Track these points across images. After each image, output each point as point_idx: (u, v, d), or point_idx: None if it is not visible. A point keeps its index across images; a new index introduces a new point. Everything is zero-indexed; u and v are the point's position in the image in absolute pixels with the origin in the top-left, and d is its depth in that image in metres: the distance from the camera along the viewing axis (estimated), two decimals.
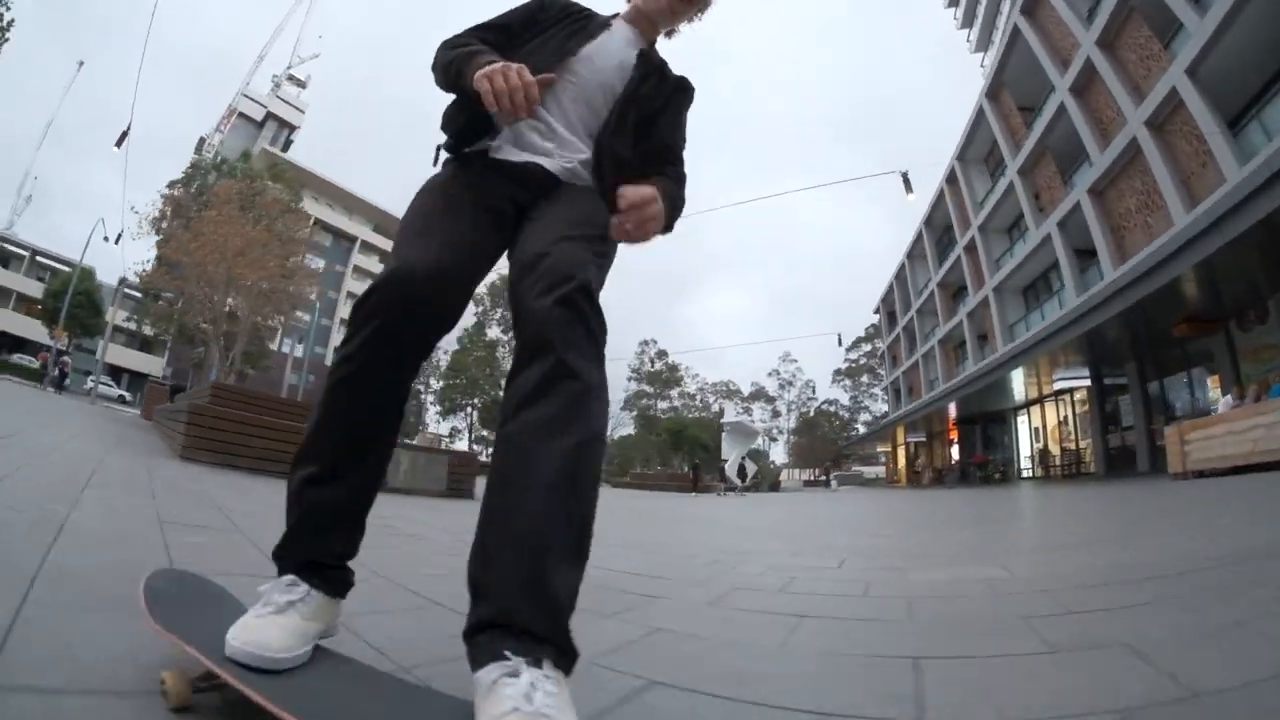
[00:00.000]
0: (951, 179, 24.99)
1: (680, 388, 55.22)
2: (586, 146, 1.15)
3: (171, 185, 24.71)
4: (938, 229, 28.34)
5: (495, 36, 1.16)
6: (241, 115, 53.69)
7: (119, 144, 15.22)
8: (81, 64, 60.06)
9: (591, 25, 1.22)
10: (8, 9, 15.03)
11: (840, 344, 23.56)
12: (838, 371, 52.29)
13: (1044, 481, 18.46)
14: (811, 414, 54.48)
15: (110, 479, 3.22)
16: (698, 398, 56.09)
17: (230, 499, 3.41)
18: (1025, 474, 21.22)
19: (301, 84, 59.62)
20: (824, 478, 39.22)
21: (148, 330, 26.55)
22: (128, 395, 34.39)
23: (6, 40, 15.21)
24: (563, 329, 0.83)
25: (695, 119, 1.32)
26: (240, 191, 21.69)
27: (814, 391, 55.68)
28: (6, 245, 38.44)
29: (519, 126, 1.11)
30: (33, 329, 33.00)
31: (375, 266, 56.03)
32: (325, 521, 0.93)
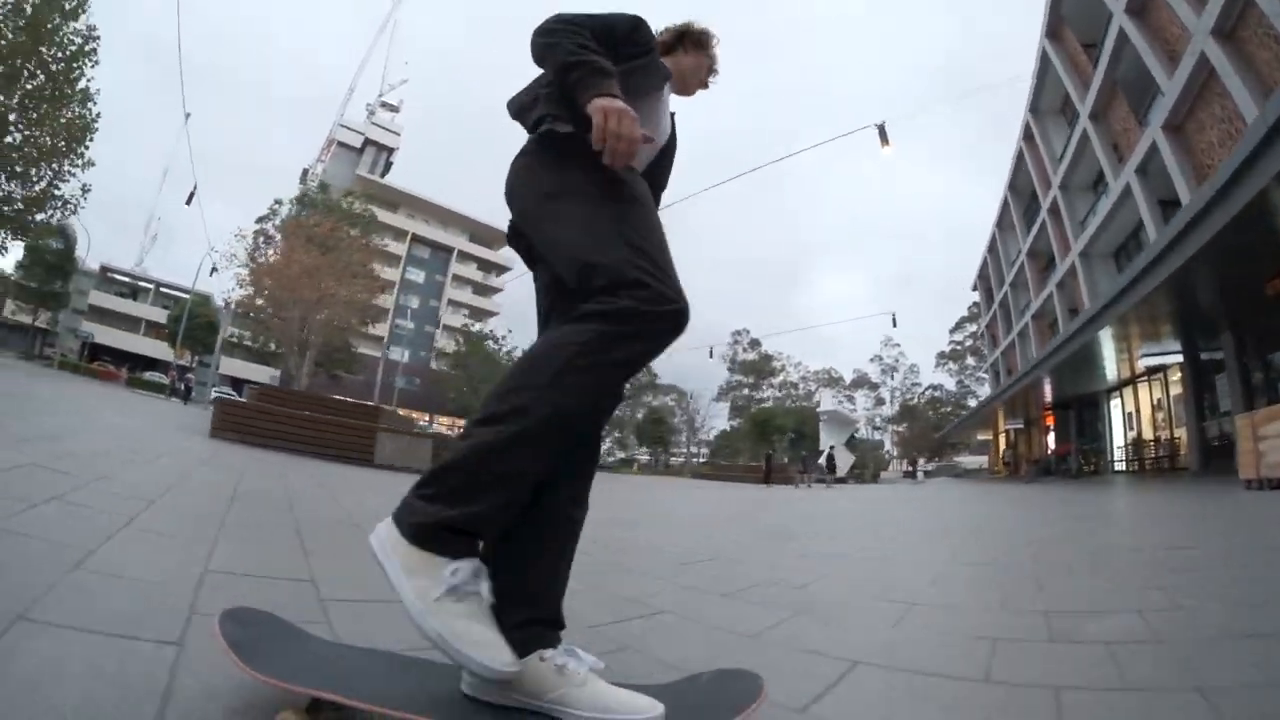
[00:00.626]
0: (1028, 135, 22.08)
1: (783, 376, 53.49)
2: None
3: (259, 220, 27.96)
4: (1023, 194, 25.15)
5: (600, 44, 1.07)
6: (341, 144, 58.17)
7: (188, 202, 17.15)
8: (189, 115, 68.84)
9: (661, 75, 1.22)
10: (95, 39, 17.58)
11: (894, 324, 21.44)
12: (941, 355, 47.92)
13: (1136, 477, 15.79)
14: (915, 401, 50.43)
15: (151, 445, 5.19)
16: (800, 386, 54.11)
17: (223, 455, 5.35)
18: (1118, 466, 18.23)
19: (394, 108, 63.44)
20: (912, 469, 35.77)
21: (249, 344, 30.26)
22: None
23: (97, 63, 17.76)
24: None
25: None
26: (308, 226, 24.38)
27: (918, 376, 51.53)
28: (137, 280, 45.47)
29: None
30: (161, 350, 38.94)
31: (474, 274, 59.77)
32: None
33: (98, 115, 18.30)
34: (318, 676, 0.83)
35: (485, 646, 0.78)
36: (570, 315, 0.91)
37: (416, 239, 56.02)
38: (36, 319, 32.11)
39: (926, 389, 50.37)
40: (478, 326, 46.29)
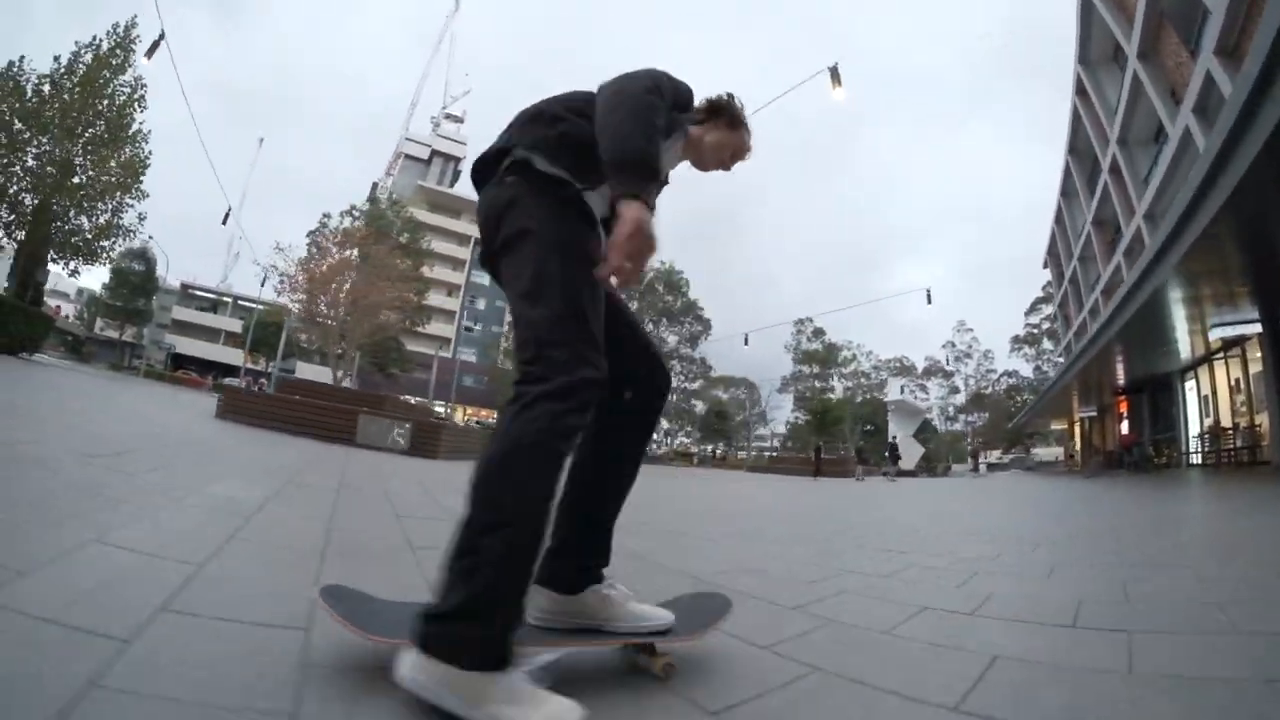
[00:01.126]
0: (1080, 90, 19.65)
1: (854, 365, 51.02)
2: None
3: (309, 233, 29.35)
4: (1084, 157, 22.45)
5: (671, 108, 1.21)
6: (409, 157, 60.94)
7: (224, 221, 18.40)
8: (262, 140, 73.80)
9: (678, 134, 1.32)
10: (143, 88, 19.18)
11: (929, 301, 19.25)
12: (1015, 339, 43.89)
13: (1211, 472, 13.53)
14: (990, 389, 46.57)
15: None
16: (872, 376, 51.53)
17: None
18: (1193, 459, 15.71)
19: (459, 119, 65.51)
20: (975, 461, 32.48)
21: (304, 346, 31.84)
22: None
23: (145, 108, 19.40)
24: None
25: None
26: (351, 233, 25.62)
27: (992, 363, 47.49)
28: (216, 295, 49.10)
29: (601, 200, 1.18)
30: (238, 357, 41.86)
31: None
32: None
33: (149, 153, 20.08)
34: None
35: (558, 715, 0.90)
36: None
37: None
38: (123, 333, 35.43)
39: (1001, 376, 46.40)
40: None
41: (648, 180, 1.01)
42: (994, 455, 42.12)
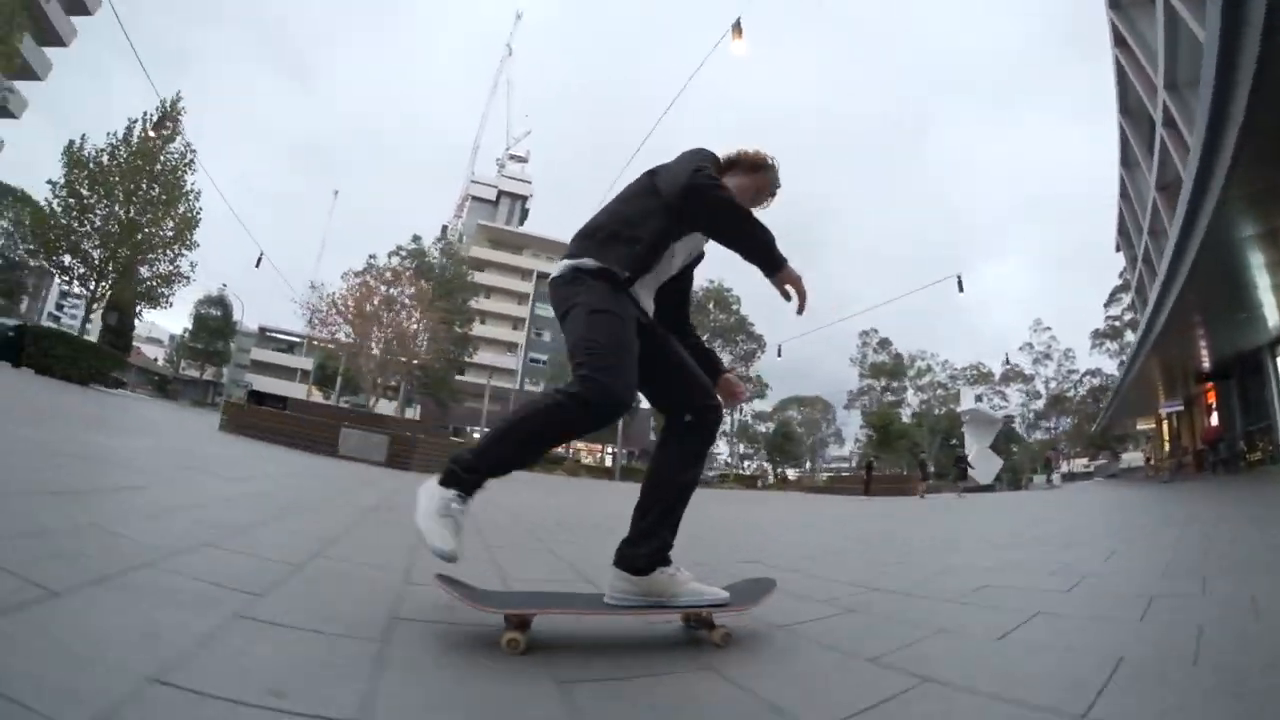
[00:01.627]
0: (1119, 40, 17.68)
1: (930, 376, 48.00)
2: (655, 291, 1.74)
3: (357, 274, 30.81)
4: (1138, 117, 20.14)
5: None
6: (476, 199, 62.40)
7: (258, 265, 19.91)
8: (337, 193, 78.93)
9: None
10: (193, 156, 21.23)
11: (960, 289, 17.37)
12: (1096, 334, 39.61)
13: None
14: (1071, 390, 42.15)
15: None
16: (950, 386, 48.28)
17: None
18: None
19: (523, 159, 66.89)
20: (1049, 470, 28.30)
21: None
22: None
23: (195, 170, 21.41)
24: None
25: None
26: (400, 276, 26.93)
27: (1074, 363, 43.10)
28: (292, 337, 52.31)
29: (645, 280, 1.64)
30: (314, 394, 44.32)
31: None
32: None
33: (200, 210, 22.19)
34: (516, 601, 1.50)
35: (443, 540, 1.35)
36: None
37: (543, 277, 57.31)
38: (204, 373, 38.70)
39: (1084, 375, 41.93)
40: None
41: (778, 254, 1.52)
42: (1079, 463, 37.89)
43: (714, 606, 1.47)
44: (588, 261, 1.54)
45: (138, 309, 22.57)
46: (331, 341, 26.44)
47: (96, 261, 20.56)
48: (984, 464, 32.03)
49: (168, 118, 21.18)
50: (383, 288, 27.94)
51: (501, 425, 1.44)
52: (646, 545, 1.51)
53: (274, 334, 53.12)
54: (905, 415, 46.82)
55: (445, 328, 29.82)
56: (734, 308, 40.93)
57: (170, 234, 21.54)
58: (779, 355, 26.92)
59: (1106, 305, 37.77)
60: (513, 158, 66.47)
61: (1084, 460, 38.75)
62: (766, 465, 60.15)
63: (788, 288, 1.49)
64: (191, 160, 22.01)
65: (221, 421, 12.57)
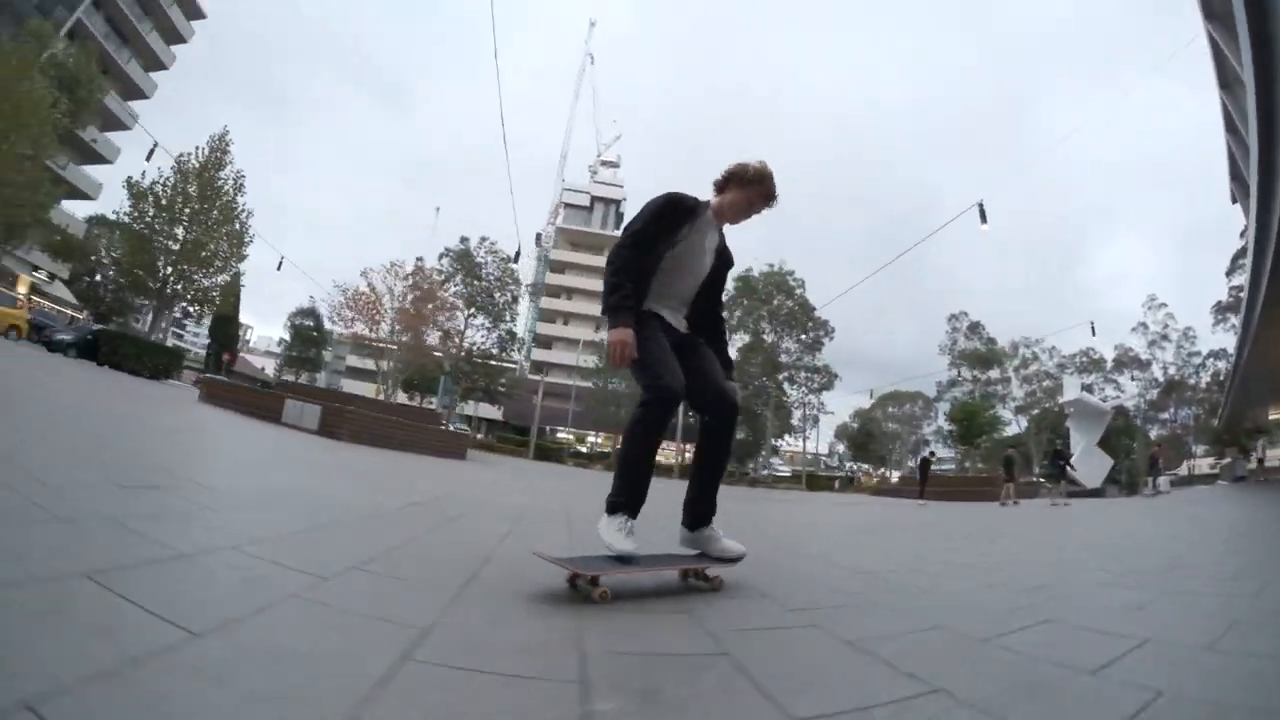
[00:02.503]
0: (1208, 14, 14.98)
1: (1035, 366, 42.79)
2: (684, 307, 2.23)
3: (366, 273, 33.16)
4: (1224, 19, 16.79)
5: (644, 250, 2.06)
6: (569, 206, 62.85)
7: (278, 267, 22.44)
8: (439, 209, 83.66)
9: (696, 220, 2.11)
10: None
11: (983, 219, 13.75)
12: (1218, 307, 32.98)
13: None
14: (1194, 375, 35.50)
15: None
16: (1058, 375, 42.94)
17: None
18: None
19: (614, 164, 66.70)
20: (1152, 471, 22.93)
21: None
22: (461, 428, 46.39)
23: (245, 193, 24.36)
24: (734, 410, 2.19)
25: None
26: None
27: (1195, 345, 36.43)
28: (380, 342, 56.46)
29: (666, 300, 2.16)
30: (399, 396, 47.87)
31: None
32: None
33: (250, 231, 26.01)
34: (603, 564, 1.84)
35: (621, 541, 1.87)
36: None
37: None
38: (298, 378, 43.24)
39: (1206, 357, 35.29)
40: None
41: (613, 312, 1.96)
42: (1204, 463, 31.80)
43: (731, 560, 2.13)
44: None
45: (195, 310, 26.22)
46: (373, 339, 28.57)
47: (165, 274, 23.99)
48: (1089, 464, 27.42)
49: (216, 150, 24.60)
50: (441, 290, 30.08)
51: (618, 463, 2.02)
52: (695, 509, 2.15)
53: (366, 341, 57.64)
54: (1008, 409, 41.46)
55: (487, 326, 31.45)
56: (798, 292, 38.48)
57: (225, 249, 25.04)
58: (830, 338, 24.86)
59: (1229, 274, 31.51)
60: (604, 163, 66.50)
61: (1209, 460, 32.53)
62: (850, 465, 56.62)
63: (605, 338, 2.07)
64: (241, 185, 25.38)
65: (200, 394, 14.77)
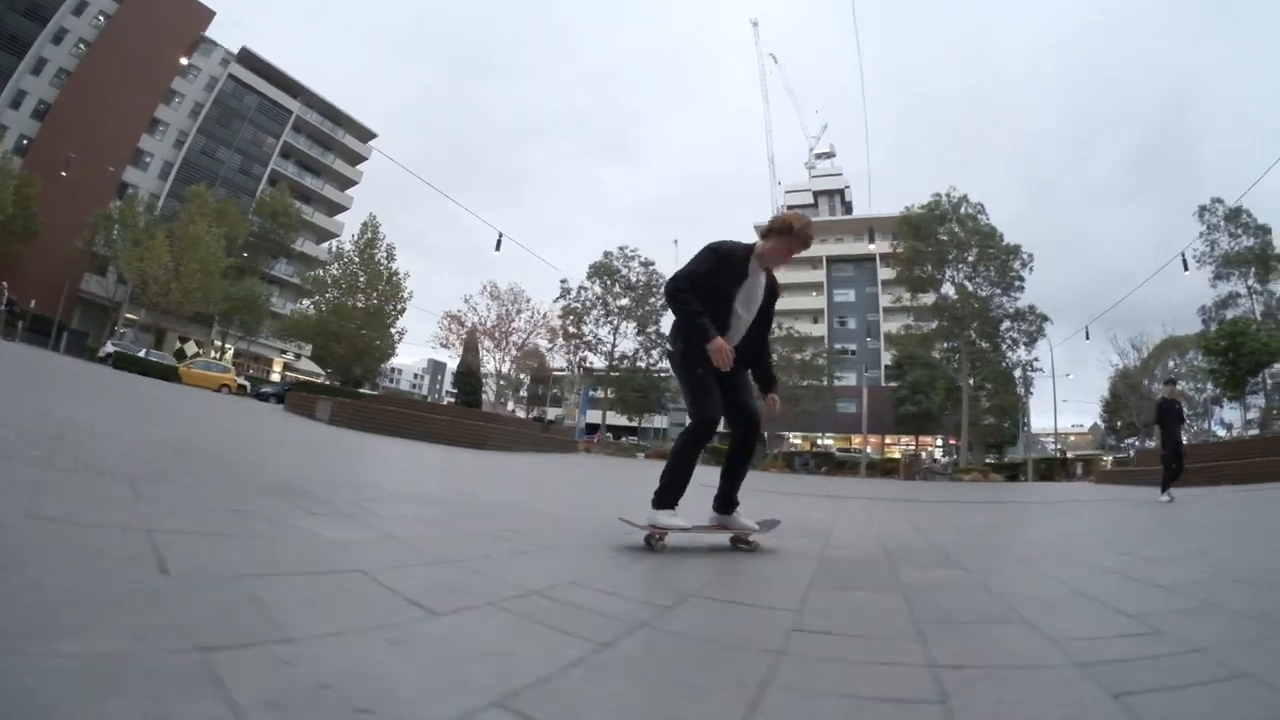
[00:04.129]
0: None
1: None
2: (737, 336, 2.67)
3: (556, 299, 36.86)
4: None
5: (698, 286, 2.54)
6: (792, 208, 58.64)
7: (497, 248, 29.43)
8: (676, 241, 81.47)
9: (746, 265, 2.62)
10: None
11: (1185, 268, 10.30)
12: None
13: None
14: None
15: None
16: None
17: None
18: None
19: (830, 155, 62.78)
20: None
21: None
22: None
23: (395, 259, 31.64)
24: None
25: None
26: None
27: None
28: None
29: (724, 334, 2.56)
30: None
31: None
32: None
33: (409, 291, 33.55)
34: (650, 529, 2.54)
35: (672, 520, 2.55)
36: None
37: (833, 261, 50.75)
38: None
39: None
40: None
41: (701, 331, 2.45)
42: None
43: (753, 530, 2.72)
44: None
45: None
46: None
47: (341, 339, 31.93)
48: None
49: (368, 229, 32.49)
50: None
51: (666, 468, 2.54)
52: (725, 497, 2.71)
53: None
54: None
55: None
56: (981, 219, 31.09)
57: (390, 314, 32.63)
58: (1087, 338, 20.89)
59: None
60: (819, 156, 63.28)
61: None
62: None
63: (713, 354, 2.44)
64: (391, 253, 32.83)
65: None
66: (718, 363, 2.41)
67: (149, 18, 34.11)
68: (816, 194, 58.01)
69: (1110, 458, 32.24)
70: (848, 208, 57.38)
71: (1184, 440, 8.45)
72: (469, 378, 38.02)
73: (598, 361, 35.63)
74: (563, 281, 35.37)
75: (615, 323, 35.08)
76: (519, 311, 36.29)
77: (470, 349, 38.23)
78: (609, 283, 35.12)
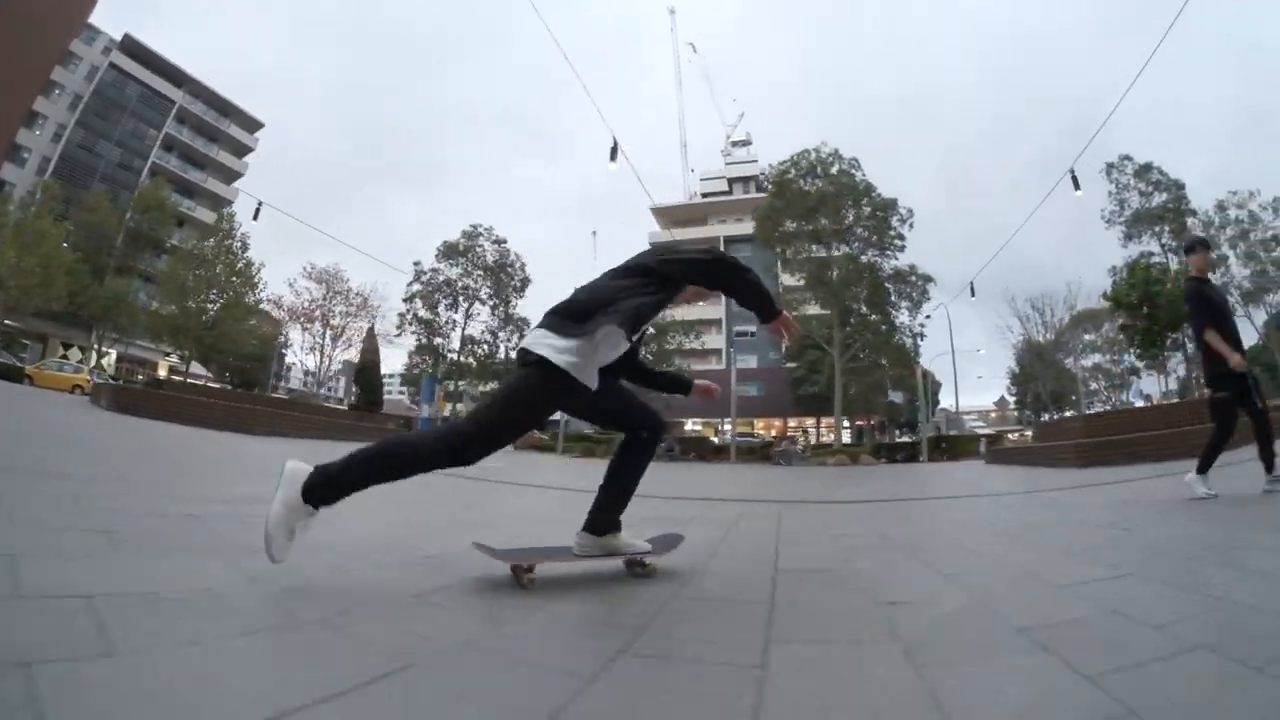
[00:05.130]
0: None
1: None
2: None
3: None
4: None
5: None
6: (707, 195, 59.26)
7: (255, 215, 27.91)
8: (595, 232, 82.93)
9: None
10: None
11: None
12: None
13: None
14: None
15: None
16: None
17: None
18: None
19: (746, 142, 62.46)
20: None
21: None
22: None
23: (248, 248, 30.80)
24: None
25: None
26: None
27: None
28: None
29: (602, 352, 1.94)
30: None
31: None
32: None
33: (261, 280, 32.86)
34: (518, 555, 1.98)
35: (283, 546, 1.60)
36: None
37: (731, 241, 49.61)
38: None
39: None
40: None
41: (771, 298, 1.98)
42: None
43: (643, 554, 2.15)
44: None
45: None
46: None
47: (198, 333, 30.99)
48: None
49: (222, 221, 31.65)
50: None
51: (615, 488, 2.15)
52: (606, 515, 2.12)
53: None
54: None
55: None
56: (856, 175, 28.76)
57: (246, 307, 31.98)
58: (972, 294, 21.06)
59: None
60: (735, 144, 62.90)
61: None
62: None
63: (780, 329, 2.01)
64: (245, 245, 31.84)
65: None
66: (789, 336, 2.07)
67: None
68: (731, 180, 57.15)
69: (1025, 433, 30.10)
70: (764, 191, 56.26)
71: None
72: (367, 373, 36.56)
73: (454, 346, 33.73)
74: (416, 263, 33.37)
75: (466, 306, 33.63)
76: (337, 293, 34.74)
77: (370, 346, 36.98)
78: (466, 265, 33.68)
